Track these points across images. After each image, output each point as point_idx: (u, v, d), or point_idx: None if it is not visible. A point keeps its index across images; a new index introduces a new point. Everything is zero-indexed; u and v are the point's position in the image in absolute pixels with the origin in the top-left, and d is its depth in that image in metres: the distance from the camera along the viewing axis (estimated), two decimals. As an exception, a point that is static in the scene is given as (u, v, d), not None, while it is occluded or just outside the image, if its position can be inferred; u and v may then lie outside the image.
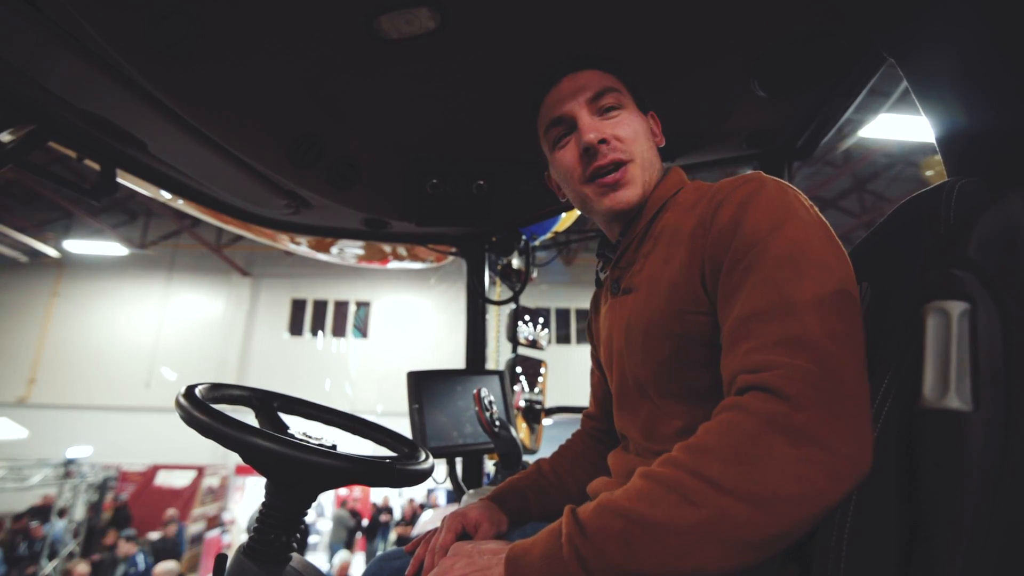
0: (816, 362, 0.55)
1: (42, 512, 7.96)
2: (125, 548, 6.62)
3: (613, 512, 0.56)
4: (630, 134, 0.84)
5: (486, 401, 1.34)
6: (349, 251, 2.59)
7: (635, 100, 0.90)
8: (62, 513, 7.89)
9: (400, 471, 0.73)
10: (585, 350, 1.13)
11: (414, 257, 2.63)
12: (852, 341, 0.58)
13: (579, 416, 1.16)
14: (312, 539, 9.29)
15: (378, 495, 9.74)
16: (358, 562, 7.66)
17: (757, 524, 0.51)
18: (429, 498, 9.77)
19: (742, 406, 0.56)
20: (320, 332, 12.08)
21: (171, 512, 7.97)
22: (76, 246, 10.01)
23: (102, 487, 8.86)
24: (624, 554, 0.53)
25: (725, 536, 0.51)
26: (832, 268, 0.62)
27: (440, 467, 1.58)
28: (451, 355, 10.49)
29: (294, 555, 0.73)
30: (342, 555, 6.55)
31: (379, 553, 1.01)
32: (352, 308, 12.28)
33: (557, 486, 1.03)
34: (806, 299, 0.59)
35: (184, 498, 9.22)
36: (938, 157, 0.82)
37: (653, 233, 0.84)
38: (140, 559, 6.61)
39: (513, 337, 2.52)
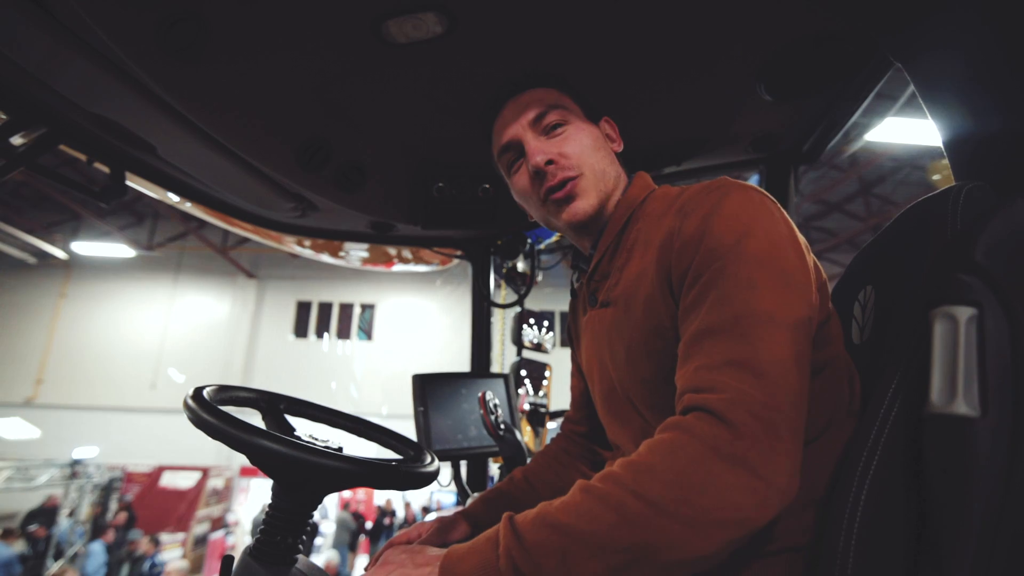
0: (760, 389, 0.57)
1: (48, 513, 7.98)
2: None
3: (551, 526, 0.56)
4: (576, 149, 0.84)
5: (491, 404, 1.34)
6: (354, 254, 2.60)
7: (583, 110, 0.90)
8: (69, 513, 7.92)
9: (406, 473, 0.73)
10: (590, 354, 1.14)
11: (419, 260, 2.64)
12: (797, 367, 0.59)
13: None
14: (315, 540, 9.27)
15: (382, 499, 9.74)
16: (361, 563, 7.64)
17: (690, 545, 0.53)
18: (431, 500, 9.75)
19: (687, 428, 0.58)
20: (325, 334, 12.10)
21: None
22: (84, 248, 10.07)
23: (107, 488, 8.88)
24: (561, 569, 0.54)
25: (660, 556, 0.53)
26: (791, 287, 0.63)
27: (445, 470, 1.58)
28: (456, 358, 10.49)
29: (299, 557, 0.74)
30: (328, 554, 6.57)
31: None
32: (357, 310, 12.30)
33: (528, 492, 1.03)
34: (759, 321, 0.60)
35: (188, 499, 9.25)
36: (945, 161, 0.82)
37: (625, 245, 0.83)
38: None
39: (518, 340, 2.52)
